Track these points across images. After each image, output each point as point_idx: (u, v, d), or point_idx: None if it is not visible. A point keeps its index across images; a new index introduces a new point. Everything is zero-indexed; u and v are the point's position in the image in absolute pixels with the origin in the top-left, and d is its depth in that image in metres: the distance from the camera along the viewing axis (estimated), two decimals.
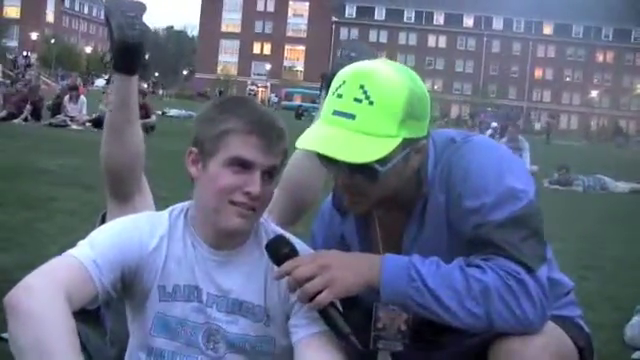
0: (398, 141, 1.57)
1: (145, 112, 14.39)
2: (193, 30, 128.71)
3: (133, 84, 2.36)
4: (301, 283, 1.58)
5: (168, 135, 14.25)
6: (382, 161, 1.56)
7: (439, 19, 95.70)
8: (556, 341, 1.59)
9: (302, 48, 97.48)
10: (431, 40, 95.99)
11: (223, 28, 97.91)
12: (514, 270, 1.53)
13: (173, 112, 28.87)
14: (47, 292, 1.47)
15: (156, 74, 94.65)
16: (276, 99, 65.81)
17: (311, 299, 1.58)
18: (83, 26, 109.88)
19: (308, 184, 2.49)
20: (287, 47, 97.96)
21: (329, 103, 1.61)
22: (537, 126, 62.19)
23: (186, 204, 1.78)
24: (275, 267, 1.65)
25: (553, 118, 60.02)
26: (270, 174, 1.68)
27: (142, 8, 2.38)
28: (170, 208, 1.78)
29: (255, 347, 1.73)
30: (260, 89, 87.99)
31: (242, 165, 1.64)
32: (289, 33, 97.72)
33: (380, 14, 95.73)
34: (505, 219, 1.58)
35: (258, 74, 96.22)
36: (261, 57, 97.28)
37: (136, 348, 1.76)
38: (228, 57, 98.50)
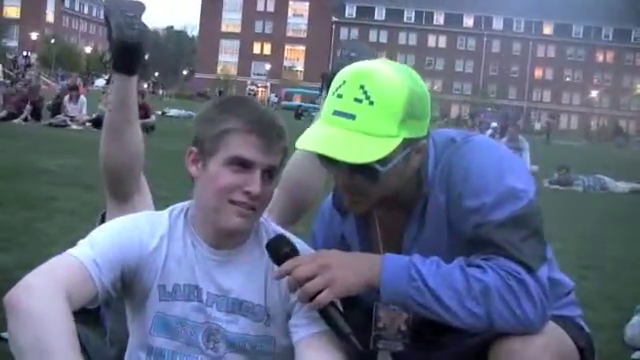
0: (398, 141, 1.57)
1: (145, 112, 14.40)
2: (193, 30, 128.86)
3: (132, 84, 2.36)
4: (301, 283, 1.58)
5: (168, 135, 14.25)
6: (382, 161, 1.56)
7: (439, 19, 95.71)
8: (557, 341, 1.59)
9: (302, 48, 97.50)
10: (431, 40, 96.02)
11: (223, 28, 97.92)
12: (514, 270, 1.53)
13: (173, 112, 28.89)
14: (47, 291, 1.47)
15: (156, 74, 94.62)
16: (276, 99, 65.80)
17: (311, 299, 1.58)
18: (83, 26, 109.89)
19: (308, 184, 2.49)
20: (287, 47, 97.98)
21: (329, 103, 1.61)
22: (537, 126, 62.21)
23: (186, 204, 1.78)
24: (275, 266, 1.65)
25: (553, 118, 60.03)
26: (270, 173, 1.68)
27: (141, 8, 2.38)
28: (170, 208, 1.78)
29: (255, 347, 1.72)
30: (260, 89, 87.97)
31: (242, 164, 1.64)
32: (289, 33, 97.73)
33: (380, 14, 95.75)
34: (505, 219, 1.58)
35: (258, 74, 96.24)
36: (261, 57, 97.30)
37: (136, 348, 1.76)
38: (228, 57, 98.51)
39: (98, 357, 2.35)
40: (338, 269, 1.59)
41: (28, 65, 48.48)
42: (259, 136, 1.65)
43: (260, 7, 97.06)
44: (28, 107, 16.72)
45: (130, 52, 2.31)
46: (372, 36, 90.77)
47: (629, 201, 12.07)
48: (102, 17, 2.53)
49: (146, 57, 2.46)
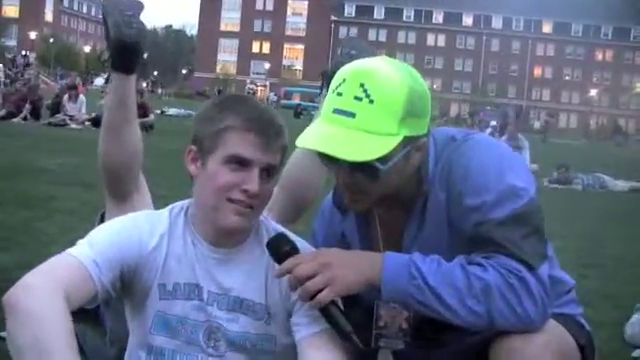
0: (399, 139, 1.56)
1: (143, 111, 14.38)
2: (192, 29, 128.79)
3: (131, 83, 2.36)
4: (302, 281, 1.58)
5: (167, 134, 14.25)
6: (383, 159, 1.56)
7: (438, 18, 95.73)
8: (557, 339, 1.59)
9: (301, 47, 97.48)
10: (430, 39, 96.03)
11: (222, 27, 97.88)
12: (515, 268, 1.53)
13: (172, 111, 28.88)
14: (46, 291, 1.46)
15: (155, 73, 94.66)
16: (275, 98, 65.82)
17: (312, 297, 1.57)
18: (82, 25, 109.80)
19: (308, 182, 2.48)
20: (286, 46, 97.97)
21: (329, 101, 1.61)
22: (536, 124, 62.23)
23: (186, 202, 1.78)
24: (276, 265, 1.65)
25: (552, 117, 60.01)
26: (269, 172, 1.68)
27: (139, 7, 2.38)
28: (170, 206, 1.77)
29: (256, 345, 1.72)
30: (259, 88, 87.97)
31: (240, 163, 1.64)
32: (288, 32, 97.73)
33: (379, 13, 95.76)
34: (506, 217, 1.57)
35: (257, 73, 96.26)
36: (260, 56, 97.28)
37: (136, 347, 1.76)
38: (227, 56, 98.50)
39: (97, 357, 2.35)
40: (339, 267, 1.58)
41: (27, 64, 48.45)
42: (257, 134, 1.64)
43: (259, 6, 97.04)
44: (27, 106, 16.70)
45: (128, 51, 2.31)
46: (371, 35, 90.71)
47: (628, 199, 12.08)
48: (101, 16, 2.52)
49: (145, 56, 2.46)
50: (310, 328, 1.66)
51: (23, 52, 58.66)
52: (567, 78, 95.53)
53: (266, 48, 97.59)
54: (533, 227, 1.59)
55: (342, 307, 1.62)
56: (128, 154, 2.36)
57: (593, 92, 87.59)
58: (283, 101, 60.93)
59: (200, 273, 1.71)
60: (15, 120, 16.13)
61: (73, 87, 18.09)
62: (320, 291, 1.56)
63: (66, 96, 17.27)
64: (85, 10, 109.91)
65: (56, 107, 17.20)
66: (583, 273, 5.04)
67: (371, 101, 1.55)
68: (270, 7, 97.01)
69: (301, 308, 1.68)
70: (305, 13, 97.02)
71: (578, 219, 8.71)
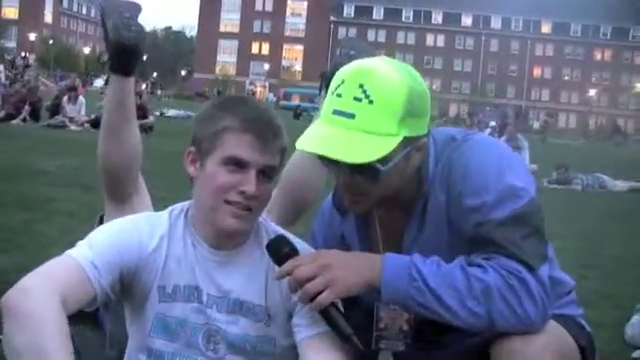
0: (399, 139, 1.56)
1: (143, 113, 14.39)
2: (191, 30, 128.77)
3: (130, 85, 2.35)
4: (302, 283, 1.57)
5: (167, 135, 14.25)
6: (383, 160, 1.55)
7: (437, 18, 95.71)
8: (558, 340, 1.59)
9: (300, 48, 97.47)
10: (429, 39, 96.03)
11: (221, 28, 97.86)
12: (515, 269, 1.53)
13: (172, 112, 28.89)
14: (43, 294, 1.46)
15: (154, 74, 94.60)
16: (274, 99, 65.79)
17: (312, 299, 1.57)
18: (81, 27, 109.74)
19: (308, 183, 2.48)
20: (285, 47, 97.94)
21: (329, 102, 1.60)
22: (535, 125, 62.21)
23: (186, 204, 1.77)
24: (276, 267, 1.65)
25: (551, 117, 59.98)
26: (267, 173, 1.67)
27: (137, 9, 2.37)
28: (170, 208, 1.77)
29: (256, 347, 1.72)
30: (258, 89, 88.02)
31: (237, 164, 1.64)
32: (287, 33, 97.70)
33: (378, 13, 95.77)
34: (506, 217, 1.57)
35: (256, 74, 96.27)
36: (259, 57, 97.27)
37: (135, 350, 1.76)
38: (226, 57, 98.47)
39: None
40: (339, 269, 1.58)
41: (27, 66, 48.46)
42: (255, 135, 1.64)
43: (258, 7, 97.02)
44: (27, 108, 16.71)
45: (127, 53, 2.30)
46: (370, 35, 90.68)
47: (628, 199, 12.08)
48: (99, 18, 2.52)
49: (144, 58, 2.45)
50: (311, 329, 1.66)
51: (22, 54, 58.72)
52: (566, 78, 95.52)
53: (265, 49, 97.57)
54: (533, 227, 1.59)
55: (342, 309, 1.61)
56: (127, 156, 2.36)
57: (592, 92, 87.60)
58: (282, 102, 60.92)
59: (200, 275, 1.70)
60: (14, 122, 16.15)
61: (72, 89, 18.10)
62: (320, 293, 1.56)
63: (65, 98, 17.27)
64: (85, 11, 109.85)
65: (55, 109, 17.20)
66: (583, 274, 5.03)
67: (370, 102, 1.54)
68: (269, 8, 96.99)
69: (302, 309, 1.67)
70: (304, 14, 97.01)
71: (578, 219, 8.70)
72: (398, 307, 1.70)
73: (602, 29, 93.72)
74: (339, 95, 1.57)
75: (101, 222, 2.39)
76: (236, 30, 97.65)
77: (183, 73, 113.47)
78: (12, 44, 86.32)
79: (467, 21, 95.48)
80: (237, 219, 1.65)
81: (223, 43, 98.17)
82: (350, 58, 2.23)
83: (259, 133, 1.64)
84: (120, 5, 2.34)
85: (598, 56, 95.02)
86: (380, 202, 1.68)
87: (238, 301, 1.71)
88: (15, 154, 10.00)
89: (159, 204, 2.20)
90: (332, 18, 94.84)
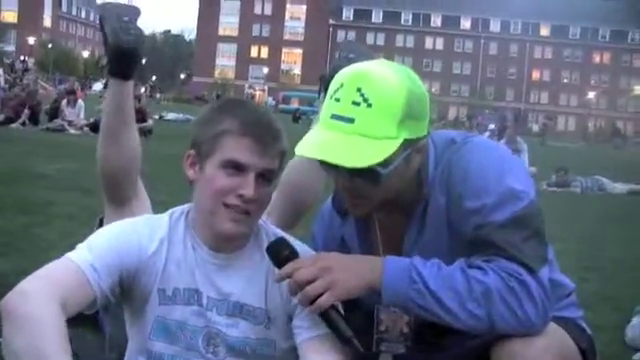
0: (399, 142, 1.56)
1: (141, 116, 14.38)
2: (190, 34, 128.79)
3: (129, 88, 2.35)
4: (302, 286, 1.57)
5: (166, 139, 14.24)
6: (384, 163, 1.55)
7: (436, 21, 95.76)
8: (558, 342, 1.59)
9: (299, 51, 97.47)
10: (428, 42, 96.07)
11: (220, 32, 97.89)
12: (516, 271, 1.53)
13: (171, 116, 28.87)
14: (42, 297, 1.46)
15: (153, 78, 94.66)
16: (273, 102, 65.76)
17: (312, 302, 1.57)
18: (80, 30, 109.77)
19: (307, 186, 2.48)
20: (284, 50, 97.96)
21: (327, 107, 1.60)
22: (535, 127, 62.24)
23: (186, 206, 1.77)
24: (276, 270, 1.65)
25: (550, 120, 59.94)
26: (266, 177, 1.67)
27: (136, 12, 2.37)
28: (170, 210, 1.77)
29: (255, 350, 1.72)
30: (257, 92, 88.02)
31: (236, 167, 1.63)
32: (286, 36, 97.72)
33: (377, 17, 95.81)
34: (506, 220, 1.57)
35: (255, 77, 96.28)
36: (258, 60, 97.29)
37: (135, 352, 1.75)
38: (225, 61, 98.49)
39: None
40: (339, 272, 1.58)
41: (26, 70, 48.47)
42: (253, 139, 1.64)
43: (257, 10, 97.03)
44: (26, 111, 16.69)
45: (126, 57, 2.30)
46: (369, 38, 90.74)
47: (627, 202, 12.09)
48: (98, 22, 2.51)
49: (143, 61, 2.45)
50: (311, 331, 1.66)
51: (22, 57, 58.70)
52: (565, 81, 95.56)
53: (264, 52, 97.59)
54: (533, 230, 1.59)
55: (342, 311, 1.61)
56: (126, 159, 2.36)
57: (591, 95, 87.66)
58: (281, 106, 60.87)
59: (200, 278, 1.70)
60: (14, 125, 16.13)
61: (72, 92, 18.10)
62: (320, 295, 1.56)
63: (64, 101, 17.26)
64: (84, 15, 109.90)
65: (54, 112, 17.18)
66: (583, 276, 5.03)
67: (369, 105, 1.54)
68: (268, 11, 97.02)
69: (302, 311, 1.67)
70: (303, 17, 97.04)
71: (577, 222, 8.70)
72: (398, 309, 1.70)
73: (601, 32, 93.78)
74: (337, 99, 1.57)
75: (101, 225, 2.39)
76: (235, 34, 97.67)
77: (182, 77, 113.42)
78: (11, 48, 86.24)
79: (466, 24, 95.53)
80: (235, 223, 1.64)
81: (222, 47, 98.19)
82: (349, 61, 2.23)
83: (258, 136, 1.64)
84: (119, 9, 2.34)
85: (597, 59, 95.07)
86: (381, 205, 1.68)
87: (238, 304, 1.71)
88: (14, 158, 9.99)
89: (159, 207, 2.20)
90: (331, 21, 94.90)
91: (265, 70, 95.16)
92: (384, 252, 1.75)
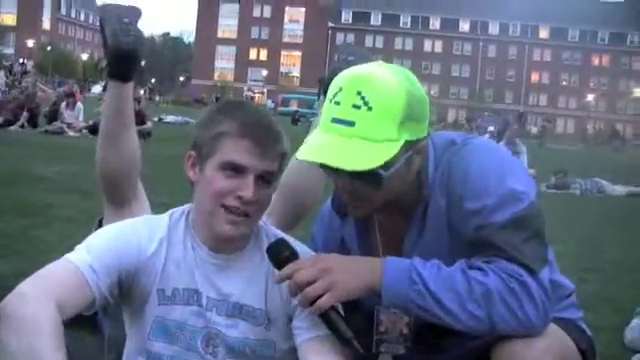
0: (399, 144, 1.56)
1: (141, 119, 14.37)
2: (189, 36, 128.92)
3: (128, 91, 2.34)
4: (302, 287, 1.57)
5: (165, 141, 14.25)
6: (385, 166, 1.55)
7: (435, 24, 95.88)
8: (558, 343, 1.58)
9: (298, 54, 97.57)
10: (427, 45, 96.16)
11: (219, 34, 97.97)
12: (516, 272, 1.52)
13: (170, 118, 28.88)
14: (39, 299, 1.46)
15: (152, 80, 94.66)
16: (272, 105, 65.77)
17: (312, 303, 1.57)
18: (79, 33, 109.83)
19: (307, 188, 2.47)
20: (283, 53, 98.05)
21: (327, 111, 1.60)
22: (534, 130, 62.22)
23: (186, 207, 1.77)
24: (276, 271, 1.65)
25: (549, 122, 59.92)
26: (265, 178, 1.66)
27: (137, 14, 2.35)
28: (170, 211, 1.77)
29: (255, 351, 1.71)
30: (257, 95, 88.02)
31: (235, 169, 1.63)
32: (285, 39, 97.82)
33: (376, 19, 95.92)
34: (506, 221, 1.57)
35: (254, 80, 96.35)
36: (257, 63, 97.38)
37: (134, 352, 1.75)
38: (224, 63, 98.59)
39: None
40: (339, 273, 1.58)
41: (25, 72, 48.42)
42: (252, 140, 1.63)
43: (256, 13, 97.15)
44: (25, 114, 16.68)
45: (126, 59, 2.29)
46: (368, 41, 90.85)
47: (626, 204, 12.09)
48: (98, 24, 2.50)
49: (142, 64, 2.44)
50: (311, 332, 1.65)
51: (21, 60, 58.63)
52: (564, 83, 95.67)
53: (263, 55, 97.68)
54: (534, 231, 1.58)
55: (342, 313, 1.61)
56: (126, 161, 2.36)
57: (590, 97, 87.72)
58: (280, 108, 60.88)
59: (199, 279, 1.70)
60: (12, 128, 16.12)
61: (71, 95, 18.08)
62: (320, 297, 1.56)
63: (64, 104, 17.25)
64: (82, 18, 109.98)
65: (53, 115, 17.17)
66: (582, 277, 5.03)
67: (369, 108, 1.54)
68: (267, 14, 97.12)
69: (302, 312, 1.67)
70: (302, 20, 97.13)
71: (577, 224, 8.70)
72: (398, 310, 1.70)
73: (600, 34, 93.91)
74: (337, 103, 1.57)
75: (100, 226, 2.38)
76: (234, 36, 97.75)
77: (181, 79, 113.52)
78: (10, 50, 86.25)
79: (465, 27, 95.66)
80: (233, 225, 1.64)
81: (221, 49, 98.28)
82: (348, 64, 2.22)
83: (257, 138, 1.64)
84: (119, 10, 2.32)
85: (596, 61, 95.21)
86: (382, 207, 1.68)
87: (238, 304, 1.70)
88: (13, 160, 9.99)
89: (159, 209, 2.19)
90: (330, 24, 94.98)
91: (264, 73, 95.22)
92: (384, 253, 1.74)
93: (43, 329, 1.41)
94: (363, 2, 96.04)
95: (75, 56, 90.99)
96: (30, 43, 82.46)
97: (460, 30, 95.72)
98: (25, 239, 4.98)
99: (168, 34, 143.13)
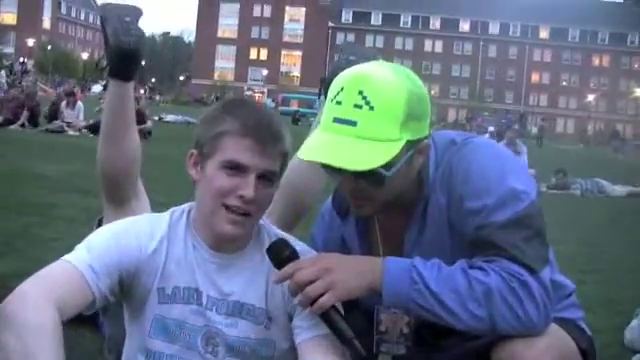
0: (401, 144, 1.56)
1: (141, 118, 14.36)
2: (190, 35, 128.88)
3: (129, 90, 2.34)
4: (302, 286, 1.57)
5: (165, 140, 14.26)
6: (387, 165, 1.55)
7: (435, 24, 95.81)
8: (559, 343, 1.58)
9: (299, 53, 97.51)
10: (427, 45, 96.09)
11: (219, 34, 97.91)
12: (517, 272, 1.52)
13: (170, 118, 28.87)
14: (39, 302, 1.45)
15: (152, 80, 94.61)
16: (272, 104, 65.73)
17: (312, 302, 1.57)
18: (80, 32, 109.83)
19: (307, 187, 2.47)
20: (284, 52, 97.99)
21: (328, 110, 1.59)
22: (534, 130, 62.21)
23: (187, 205, 1.77)
24: (276, 270, 1.64)
25: (544, 120, 59.78)
26: (267, 177, 1.66)
27: (138, 13, 2.35)
28: (171, 209, 1.77)
29: (255, 350, 1.71)
30: (257, 95, 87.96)
31: (236, 168, 1.63)
32: (285, 38, 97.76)
33: (376, 19, 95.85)
34: (507, 220, 1.57)
35: (255, 80, 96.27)
36: (258, 63, 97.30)
37: (134, 350, 1.74)
38: (225, 63, 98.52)
39: None
40: (339, 272, 1.58)
41: (25, 71, 48.47)
42: (254, 139, 1.63)
43: (257, 12, 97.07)
44: (25, 113, 16.68)
45: (127, 58, 2.28)
46: (368, 41, 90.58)
47: (626, 204, 12.10)
48: (98, 23, 2.50)
49: (142, 63, 2.44)
50: (311, 331, 1.65)
51: (21, 59, 58.68)
52: (564, 83, 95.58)
53: (264, 55, 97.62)
54: (534, 230, 1.58)
55: (343, 312, 1.61)
56: (127, 160, 2.35)
57: (590, 97, 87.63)
58: (281, 107, 60.83)
59: (200, 277, 1.70)
60: (13, 127, 16.12)
61: (71, 94, 18.08)
62: (321, 296, 1.56)
63: (64, 103, 17.26)
64: (83, 17, 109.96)
65: (54, 114, 17.18)
66: (582, 278, 5.03)
67: (371, 108, 1.54)
68: (267, 14, 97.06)
69: (302, 311, 1.66)
70: (302, 20, 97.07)
71: (577, 224, 8.71)
72: (399, 310, 1.69)
73: (600, 34, 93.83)
74: (339, 102, 1.57)
75: (100, 225, 2.38)
76: (234, 36, 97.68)
77: (181, 78, 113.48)
78: (10, 50, 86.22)
79: (465, 27, 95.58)
80: (234, 225, 1.64)
81: (221, 49, 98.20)
82: (349, 63, 2.22)
83: (259, 137, 1.64)
84: (120, 9, 2.32)
85: (596, 61, 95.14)
86: (384, 206, 1.68)
87: (238, 303, 1.70)
88: (14, 159, 9.99)
89: (158, 208, 2.19)
90: (330, 24, 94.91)
91: (264, 72, 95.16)
92: (384, 252, 1.75)
93: (42, 331, 1.41)
94: (364, 2, 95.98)
95: (75, 55, 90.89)
96: (30, 42, 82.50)
97: (460, 30, 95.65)
98: (26, 238, 4.99)
99: (168, 33, 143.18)
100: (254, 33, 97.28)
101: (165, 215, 1.75)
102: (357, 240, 1.84)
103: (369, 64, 1.65)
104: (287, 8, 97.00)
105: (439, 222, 1.68)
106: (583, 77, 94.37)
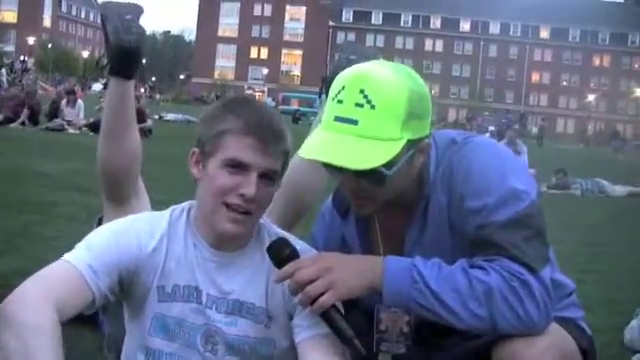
0: (403, 143, 1.56)
1: (141, 117, 14.35)
2: (190, 34, 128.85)
3: (130, 88, 2.34)
4: (302, 286, 1.57)
5: (165, 139, 14.26)
6: (388, 164, 1.55)
7: (436, 23, 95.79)
8: (560, 342, 1.58)
9: (299, 52, 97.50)
10: (428, 44, 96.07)
11: (220, 33, 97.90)
12: (517, 271, 1.52)
13: (170, 116, 28.87)
14: (38, 303, 1.46)
15: (153, 78, 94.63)
16: (273, 103, 65.72)
17: (313, 302, 1.56)
18: (80, 30, 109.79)
19: (307, 186, 2.47)
20: (284, 51, 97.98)
21: (330, 109, 1.59)
22: (534, 130, 62.22)
23: (187, 204, 1.77)
24: (276, 269, 1.64)
25: (544, 120, 59.78)
26: (268, 176, 1.66)
27: (139, 11, 2.34)
28: (172, 207, 1.77)
29: (254, 349, 1.71)
30: (257, 94, 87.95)
31: (238, 166, 1.63)
32: (286, 37, 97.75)
33: (377, 18, 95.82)
34: (508, 219, 1.57)
35: (255, 79, 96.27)
36: (258, 61, 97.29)
37: (134, 348, 1.74)
38: (225, 62, 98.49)
39: None
40: (340, 271, 1.57)
41: (25, 70, 48.48)
42: (256, 138, 1.63)
43: (257, 12, 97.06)
44: (25, 111, 16.69)
45: (128, 56, 2.28)
46: (369, 40, 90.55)
47: (627, 204, 12.09)
48: (99, 21, 2.49)
49: (143, 61, 2.43)
50: (310, 331, 1.65)
51: (21, 57, 58.66)
52: (565, 83, 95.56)
53: (264, 54, 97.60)
54: (535, 230, 1.58)
55: (343, 312, 1.61)
56: (127, 159, 2.35)
57: (591, 97, 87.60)
58: (281, 107, 60.79)
59: (200, 276, 1.70)
60: (13, 125, 16.13)
61: (71, 92, 18.08)
62: (321, 295, 1.56)
63: (64, 101, 17.28)
64: (83, 15, 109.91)
65: (54, 112, 17.19)
66: (582, 278, 5.02)
67: (372, 107, 1.54)
68: (268, 13, 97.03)
69: (303, 310, 1.66)
70: (303, 19, 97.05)
71: (577, 224, 8.71)
72: (399, 309, 1.69)
73: (600, 34, 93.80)
74: (340, 101, 1.57)
75: (99, 224, 2.38)
76: (235, 35, 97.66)
77: (182, 77, 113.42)
78: (11, 48, 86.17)
79: (465, 26, 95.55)
80: (234, 224, 1.64)
81: (222, 48, 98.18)
82: (350, 63, 2.22)
83: (261, 136, 1.64)
84: (121, 7, 2.31)
85: (597, 61, 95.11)
86: (385, 205, 1.68)
87: (238, 302, 1.70)
88: (14, 157, 10.00)
89: (158, 207, 2.19)
90: (331, 23, 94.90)
91: (265, 71, 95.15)
92: (385, 252, 1.74)
93: (41, 331, 1.41)
94: (364, 1, 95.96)
95: (76, 54, 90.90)
96: (31, 40, 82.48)
97: (461, 30, 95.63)
98: (26, 236, 4.99)
99: (169, 32, 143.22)
100: (254, 32, 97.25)
101: (165, 213, 1.75)
102: (357, 239, 1.84)
103: (370, 63, 1.64)
104: (288, 7, 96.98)
105: (440, 221, 1.69)
106: (583, 77, 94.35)
